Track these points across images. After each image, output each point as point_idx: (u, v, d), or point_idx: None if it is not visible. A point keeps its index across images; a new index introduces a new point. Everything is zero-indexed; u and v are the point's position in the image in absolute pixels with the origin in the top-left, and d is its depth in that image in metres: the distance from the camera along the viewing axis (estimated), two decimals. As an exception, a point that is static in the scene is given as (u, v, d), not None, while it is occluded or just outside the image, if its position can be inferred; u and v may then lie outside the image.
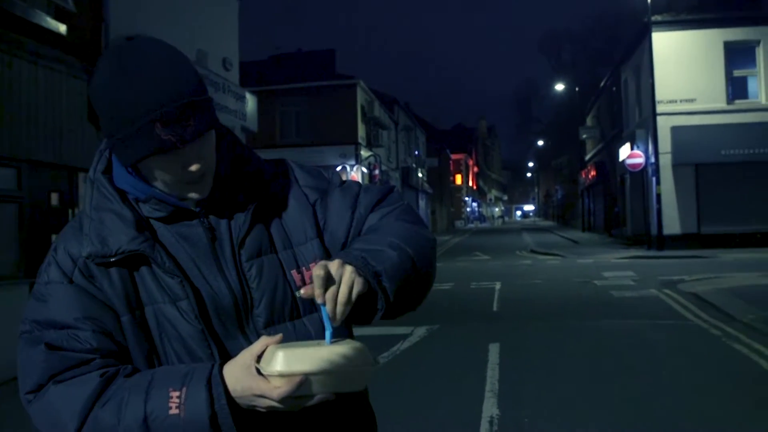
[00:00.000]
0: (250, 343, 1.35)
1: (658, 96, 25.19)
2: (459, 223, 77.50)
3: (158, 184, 1.41)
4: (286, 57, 36.50)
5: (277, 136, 30.63)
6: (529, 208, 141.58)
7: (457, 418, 6.07)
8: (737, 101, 25.17)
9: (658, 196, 24.96)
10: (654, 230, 25.42)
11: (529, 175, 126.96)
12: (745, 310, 10.91)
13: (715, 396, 6.45)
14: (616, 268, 19.67)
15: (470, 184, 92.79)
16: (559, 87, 56.03)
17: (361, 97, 32.98)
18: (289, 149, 30.26)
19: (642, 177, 28.16)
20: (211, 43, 13.76)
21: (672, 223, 24.98)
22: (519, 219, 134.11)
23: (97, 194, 1.44)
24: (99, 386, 1.31)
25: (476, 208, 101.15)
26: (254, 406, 1.27)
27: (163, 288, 1.40)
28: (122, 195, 1.44)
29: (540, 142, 78.83)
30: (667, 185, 25.17)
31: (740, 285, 13.85)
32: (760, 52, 24.83)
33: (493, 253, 29.68)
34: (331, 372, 1.25)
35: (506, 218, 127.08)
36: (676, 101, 25.21)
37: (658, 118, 25.24)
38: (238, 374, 1.27)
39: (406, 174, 45.75)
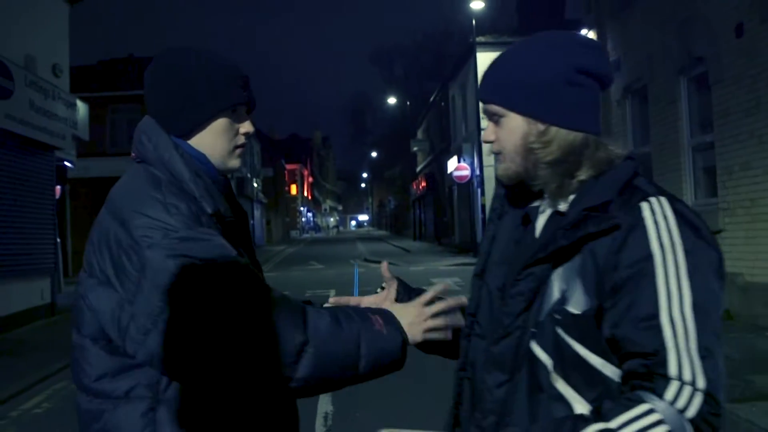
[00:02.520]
0: None
1: (482, 112, 26.71)
2: (294, 233, 77.66)
3: (209, 157, 1.76)
4: (116, 62, 35.40)
5: (107, 144, 29.68)
6: (363, 217, 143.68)
7: (295, 415, 6.42)
8: (553, 118, 27.10)
9: (483, 206, 26.39)
10: (479, 238, 26.85)
11: (363, 185, 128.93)
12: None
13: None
14: (443, 274, 20.72)
15: (305, 194, 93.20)
16: (392, 100, 57.55)
17: (195, 106, 32.57)
18: (121, 158, 29.37)
19: (468, 188, 29.64)
20: (40, 48, 13.34)
21: (495, 232, 26.46)
22: (354, 228, 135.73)
23: (194, 169, 1.68)
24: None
25: (311, 218, 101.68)
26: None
27: None
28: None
29: (374, 154, 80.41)
30: (491, 196, 26.63)
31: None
32: (572, 74, 26.88)
33: (328, 262, 30.17)
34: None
35: (341, 228, 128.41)
36: (498, 117, 26.79)
37: (483, 133, 26.73)
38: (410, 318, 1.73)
39: (241, 184, 45.49)
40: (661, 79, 11.65)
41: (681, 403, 1.22)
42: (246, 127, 1.80)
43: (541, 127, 1.47)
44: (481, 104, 1.59)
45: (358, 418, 6.35)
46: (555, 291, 1.41)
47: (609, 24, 14.07)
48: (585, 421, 1.27)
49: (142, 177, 1.65)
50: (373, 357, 1.60)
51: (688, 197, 10.94)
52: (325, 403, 6.77)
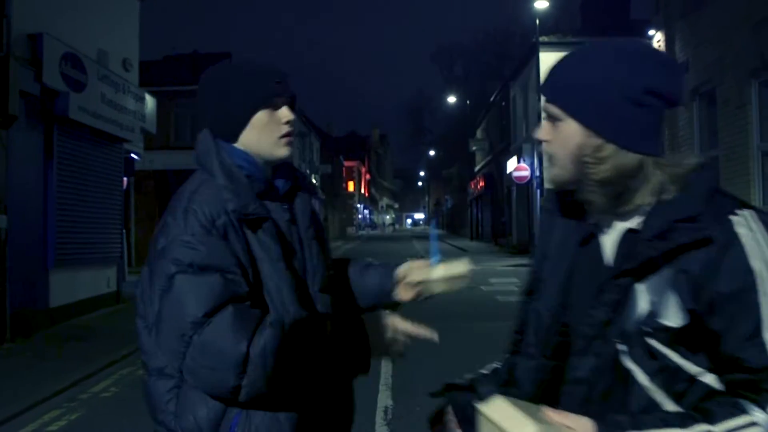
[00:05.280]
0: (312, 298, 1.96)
1: (542, 108, 26.47)
2: (351, 230, 78.04)
3: (257, 152, 1.94)
4: (181, 58, 36.04)
5: (172, 137, 30.28)
6: (419, 216, 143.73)
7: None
8: (616, 120, 26.72)
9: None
10: (537, 240, 26.62)
11: (420, 184, 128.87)
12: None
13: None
14: (501, 275, 20.67)
15: (362, 191, 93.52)
16: (451, 99, 57.40)
17: (257, 102, 32.96)
18: (184, 151, 29.92)
19: (527, 189, 29.42)
20: (112, 42, 13.69)
21: (554, 234, 26.24)
22: (409, 227, 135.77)
23: (227, 170, 1.87)
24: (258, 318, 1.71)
25: (368, 216, 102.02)
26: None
27: (264, 248, 1.84)
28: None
29: (431, 152, 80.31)
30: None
31: (613, 292, 14.92)
32: (637, 76, 26.45)
33: (384, 259, 30.08)
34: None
35: (397, 226, 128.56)
36: (560, 118, 26.52)
37: (538, 130, 26.49)
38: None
39: (300, 180, 45.92)
40: (732, 82, 11.41)
41: None
42: (285, 115, 1.95)
43: (597, 141, 1.44)
44: (542, 100, 1.56)
45: (418, 413, 6.40)
46: (642, 303, 1.40)
47: (677, 24, 13.82)
48: (692, 418, 1.28)
49: (189, 182, 1.90)
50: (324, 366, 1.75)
51: (757, 203, 10.69)
52: (384, 398, 6.87)
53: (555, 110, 1.50)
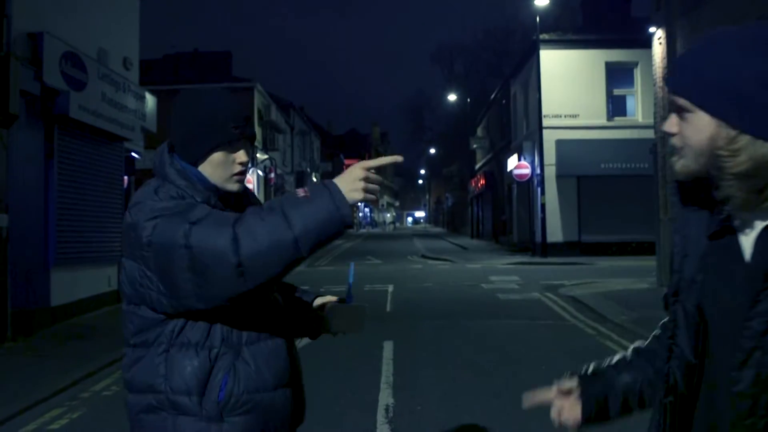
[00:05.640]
0: None
1: (544, 110, 26.47)
2: (350, 229, 77.75)
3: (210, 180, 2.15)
4: (181, 57, 36.06)
5: (172, 136, 30.21)
6: (420, 214, 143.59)
7: (356, 406, 6.53)
8: (616, 118, 26.73)
9: (543, 205, 26.21)
10: (538, 238, 26.66)
11: (420, 182, 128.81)
12: (617, 311, 11.85)
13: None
14: (502, 272, 20.60)
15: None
16: (452, 97, 57.30)
17: (258, 101, 32.97)
18: (184, 150, 29.88)
19: (528, 187, 29.41)
20: (112, 41, 13.68)
21: (555, 232, 26.29)
22: (410, 225, 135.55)
23: (184, 175, 2.11)
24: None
25: (368, 214, 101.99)
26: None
27: None
28: None
29: (432, 150, 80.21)
30: (551, 195, 26.45)
31: (614, 289, 14.90)
32: (637, 73, 26.44)
33: (385, 257, 30.21)
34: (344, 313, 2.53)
35: (398, 224, 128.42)
36: (560, 116, 26.53)
37: (544, 132, 26.52)
38: (347, 185, 1.96)
39: (301, 178, 45.92)
40: (732, 79, 11.39)
41: None
42: (240, 157, 2.16)
43: (731, 132, 1.37)
44: (667, 92, 1.50)
45: (419, 411, 6.41)
46: None
47: (678, 22, 13.81)
48: None
49: (149, 183, 2.14)
50: (303, 220, 1.84)
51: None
52: (386, 396, 6.85)
53: (683, 102, 1.44)
